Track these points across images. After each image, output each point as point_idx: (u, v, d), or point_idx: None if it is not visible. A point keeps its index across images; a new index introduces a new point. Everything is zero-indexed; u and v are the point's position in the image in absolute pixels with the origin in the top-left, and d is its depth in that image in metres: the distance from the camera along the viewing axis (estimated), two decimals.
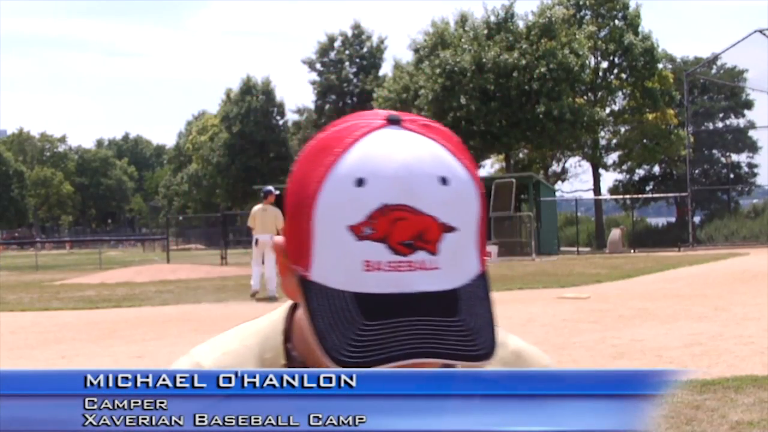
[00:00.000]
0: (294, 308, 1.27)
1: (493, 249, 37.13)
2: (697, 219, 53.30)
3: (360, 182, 1.06)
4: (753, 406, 8.51)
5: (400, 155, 1.07)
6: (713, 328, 13.80)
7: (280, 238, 1.20)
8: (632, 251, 42.99)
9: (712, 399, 8.84)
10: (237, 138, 70.25)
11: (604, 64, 54.43)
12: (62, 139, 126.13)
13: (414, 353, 1.02)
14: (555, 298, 19.19)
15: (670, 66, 56.24)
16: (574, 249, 46.37)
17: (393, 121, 1.10)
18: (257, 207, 21.36)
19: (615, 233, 46.31)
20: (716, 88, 60.82)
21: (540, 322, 14.91)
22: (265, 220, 20.70)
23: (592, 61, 52.93)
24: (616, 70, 54.66)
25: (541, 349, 1.31)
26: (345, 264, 1.05)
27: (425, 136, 1.11)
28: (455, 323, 1.04)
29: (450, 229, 1.07)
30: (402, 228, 1.05)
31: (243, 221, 51.38)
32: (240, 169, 68.80)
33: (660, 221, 58.92)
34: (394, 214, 1.05)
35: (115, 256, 59.77)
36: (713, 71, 60.58)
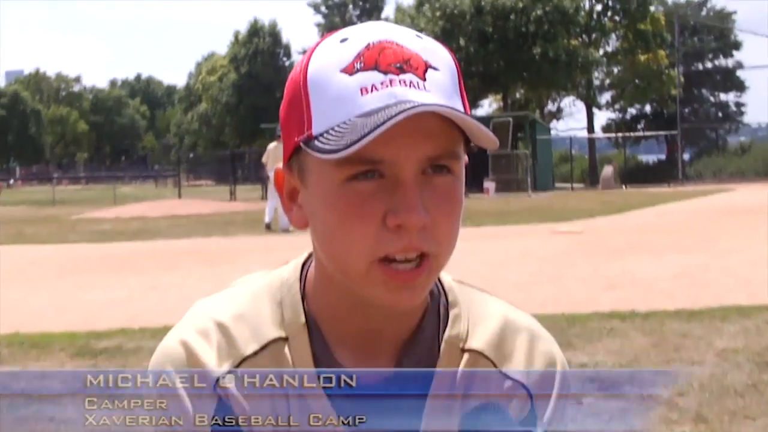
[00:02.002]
0: (304, 265, 1.24)
1: (490, 185, 37.17)
2: (686, 156, 53.35)
3: (343, 40, 1.08)
4: (738, 334, 8.55)
5: (375, 23, 1.12)
6: (701, 261, 13.83)
7: (278, 168, 1.18)
8: (624, 187, 43.05)
9: (699, 327, 8.87)
10: (245, 78, 70.07)
11: (599, 7, 54.20)
12: (77, 80, 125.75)
13: (406, 109, 1.00)
14: (550, 233, 19.21)
15: (661, 8, 55.86)
16: (569, 185, 46.40)
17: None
18: (272, 144, 21.52)
19: (607, 170, 46.34)
20: (706, 29, 60.50)
21: (535, 256, 14.93)
22: (277, 157, 20.79)
23: (587, 4, 52.69)
24: (609, 13, 54.44)
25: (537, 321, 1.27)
26: (343, 103, 1.05)
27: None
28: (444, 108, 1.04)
29: (433, 66, 1.07)
30: (389, 54, 1.05)
31: (251, 159, 51.44)
32: (248, 109, 68.66)
33: (651, 158, 58.88)
34: (379, 46, 1.06)
35: (128, 191, 59.71)
36: (703, 13, 60.33)
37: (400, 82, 1.04)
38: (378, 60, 1.05)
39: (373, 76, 1.04)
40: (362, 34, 1.08)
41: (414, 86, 1.04)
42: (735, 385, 6.89)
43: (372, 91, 1.04)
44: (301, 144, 1.08)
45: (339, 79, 1.05)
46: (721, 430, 5.91)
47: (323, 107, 1.06)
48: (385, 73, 1.04)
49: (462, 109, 1.07)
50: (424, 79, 1.05)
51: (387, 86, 1.04)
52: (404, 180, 1.05)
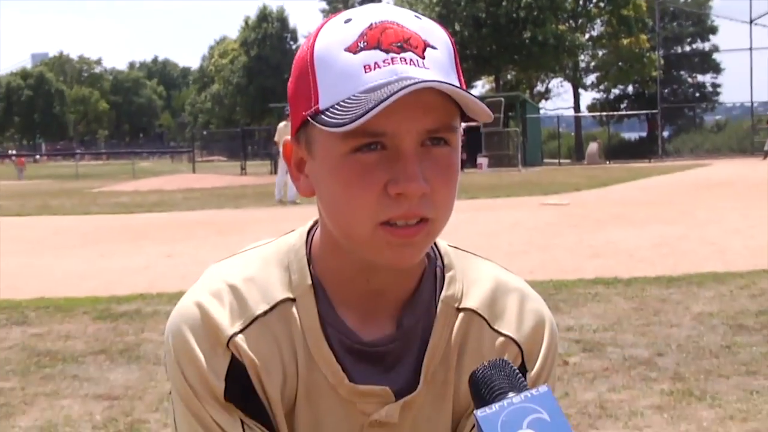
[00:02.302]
0: (309, 232, 1.25)
1: (483, 161, 37.14)
2: (666, 133, 53.25)
3: (347, 21, 1.09)
4: (713, 299, 8.57)
5: (378, 5, 1.11)
6: (679, 231, 13.83)
7: (286, 140, 1.18)
8: (608, 162, 43.00)
9: (677, 293, 8.89)
10: (255, 61, 69.86)
11: None
12: (98, 62, 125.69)
13: (407, 86, 1.01)
14: (538, 205, 19.21)
15: None
16: (556, 161, 46.38)
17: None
18: (282, 123, 21.52)
19: (592, 146, 46.28)
20: (684, 15, 60.28)
21: (525, 226, 14.93)
22: (286, 134, 20.87)
23: None
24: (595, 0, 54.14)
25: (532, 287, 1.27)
26: (348, 79, 1.05)
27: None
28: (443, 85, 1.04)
29: (432, 46, 1.07)
30: (390, 34, 1.06)
31: (260, 136, 51.39)
32: (257, 90, 68.49)
33: (633, 135, 58.75)
34: (381, 25, 1.06)
35: (146, 166, 59.73)
36: (682, 0, 59.97)
37: (401, 60, 1.04)
38: (380, 39, 1.05)
39: (376, 55, 1.04)
40: (365, 15, 1.08)
41: (414, 64, 1.04)
42: (710, 346, 6.91)
43: (375, 68, 1.04)
44: (309, 117, 1.08)
45: (344, 57, 1.05)
46: (697, 388, 5.92)
47: (329, 83, 1.06)
48: (387, 51, 1.04)
49: (459, 85, 1.07)
50: (423, 57, 1.05)
51: (389, 64, 1.04)
52: (405, 151, 1.05)
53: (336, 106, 1.04)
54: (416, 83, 1.00)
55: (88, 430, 5.55)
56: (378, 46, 1.05)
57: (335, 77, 1.06)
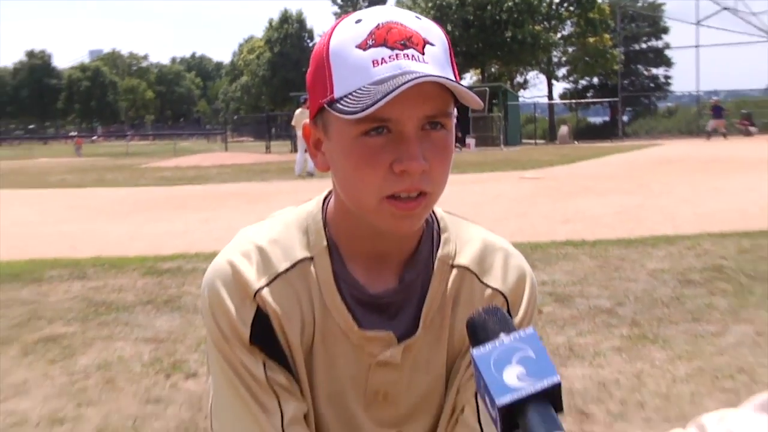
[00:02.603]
0: (325, 200, 1.24)
1: (471, 141, 37.07)
2: (625, 118, 53.17)
3: (358, 21, 1.08)
4: (665, 258, 8.57)
5: (385, 7, 1.11)
6: (636, 200, 13.82)
7: (305, 123, 1.17)
8: (576, 143, 42.87)
9: (634, 252, 8.89)
10: (277, 56, 69.54)
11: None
12: (145, 57, 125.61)
13: (411, 79, 1.01)
14: (518, 178, 19.20)
15: (607, 0, 55.18)
16: (533, 141, 46.24)
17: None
18: (298, 110, 21.57)
19: (563, 129, 46.21)
20: (641, 17, 59.88)
21: (507, 197, 14.93)
22: (302, 118, 20.97)
23: None
24: (565, 4, 53.84)
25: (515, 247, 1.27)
26: (358, 71, 1.04)
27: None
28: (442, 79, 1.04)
29: (430, 43, 1.06)
30: (395, 34, 1.05)
31: (282, 120, 51.22)
32: (279, 81, 68.15)
33: (597, 120, 58.64)
34: (387, 26, 1.05)
35: (185, 146, 59.64)
36: (639, 4, 59.70)
37: (404, 56, 1.04)
38: (386, 38, 1.04)
39: (383, 51, 1.04)
40: (373, 16, 1.07)
41: (415, 59, 1.04)
42: (661, 297, 6.92)
43: (382, 63, 1.03)
44: (325, 105, 1.07)
45: (355, 53, 1.05)
46: (651, 332, 5.94)
47: (343, 76, 1.05)
48: (392, 48, 1.04)
49: (453, 77, 1.07)
50: (423, 53, 1.05)
51: (394, 59, 1.03)
52: (407, 134, 1.05)
53: (349, 96, 1.04)
54: (417, 77, 1.00)
55: (137, 368, 5.57)
56: (384, 44, 1.04)
57: (348, 70, 1.05)
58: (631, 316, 6.36)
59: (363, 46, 1.04)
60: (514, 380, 0.91)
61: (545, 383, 0.90)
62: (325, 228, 1.20)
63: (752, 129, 41.16)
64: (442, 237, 1.21)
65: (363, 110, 1.00)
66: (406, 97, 1.00)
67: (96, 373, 5.51)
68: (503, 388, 0.90)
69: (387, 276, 1.18)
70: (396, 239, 1.17)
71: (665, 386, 4.88)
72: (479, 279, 1.21)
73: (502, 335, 0.95)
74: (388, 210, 1.08)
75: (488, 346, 0.94)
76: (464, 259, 1.21)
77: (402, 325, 1.17)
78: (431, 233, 1.21)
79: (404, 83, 0.99)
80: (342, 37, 1.07)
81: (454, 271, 1.20)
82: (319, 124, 1.12)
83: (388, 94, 0.99)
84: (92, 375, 5.47)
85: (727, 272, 7.77)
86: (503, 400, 0.89)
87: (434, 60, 1.05)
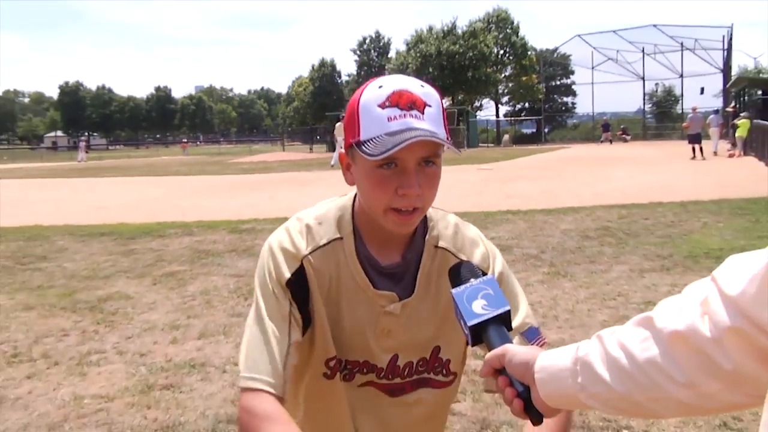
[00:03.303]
0: (355, 197, 1.19)
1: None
2: (546, 130, 52.75)
3: (380, 87, 1.03)
4: (572, 221, 8.52)
5: (398, 76, 1.06)
6: (554, 184, 13.74)
7: (341, 152, 1.12)
8: (514, 146, 42.53)
9: (551, 218, 8.85)
10: (317, 89, 68.90)
11: (501, 51, 52.95)
12: (230, 90, 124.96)
13: (416, 135, 0.98)
14: (476, 169, 19.10)
15: (534, 52, 54.51)
16: (486, 145, 45.86)
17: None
18: (338, 123, 21.69)
19: (506, 137, 45.92)
20: (556, 63, 59.19)
21: (468, 182, 14.85)
22: (339, 130, 21.53)
23: (495, 50, 51.36)
24: (507, 55, 53.31)
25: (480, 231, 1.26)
26: (378, 122, 1.01)
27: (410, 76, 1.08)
28: (437, 137, 1.01)
29: (428, 105, 1.02)
30: (404, 99, 1.01)
31: (320, 131, 50.96)
32: (318, 105, 67.35)
33: (528, 131, 58.01)
34: (399, 92, 1.01)
35: (257, 148, 59.35)
36: (555, 55, 59.08)
37: (409, 115, 1.01)
38: (399, 101, 1.01)
39: (395, 111, 1.00)
40: (391, 84, 1.04)
41: (417, 117, 1.01)
42: (570, 247, 6.89)
43: (394, 119, 1.00)
44: (354, 144, 1.05)
45: (377, 110, 1.01)
46: (563, 270, 5.91)
47: (367, 125, 1.02)
48: (402, 109, 1.01)
49: (443, 129, 1.04)
50: (423, 113, 1.02)
51: (403, 117, 1.00)
52: (408, 169, 1.03)
53: (370, 141, 1.01)
54: (417, 136, 0.98)
55: (225, 293, 5.58)
56: (397, 105, 1.01)
57: (371, 122, 1.01)
58: (549, 260, 6.35)
59: (382, 106, 1.01)
60: (480, 309, 0.92)
61: (500, 311, 0.92)
62: (352, 218, 1.16)
63: (627, 137, 40.93)
64: (429, 226, 1.17)
65: (381, 154, 0.98)
66: (409, 146, 0.99)
67: (199, 296, 5.53)
68: (472, 314, 0.91)
69: (393, 254, 1.14)
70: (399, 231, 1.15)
71: (571, 305, 4.88)
72: (454, 255, 1.17)
73: (472, 280, 0.96)
74: (392, 218, 1.06)
75: (462, 287, 0.94)
76: (444, 242, 1.17)
77: (403, 288, 1.14)
78: (423, 223, 1.18)
79: (409, 138, 0.98)
80: (368, 97, 1.03)
81: (438, 251, 1.16)
82: (350, 155, 1.08)
83: (398, 145, 0.97)
84: (197, 298, 5.49)
85: (612, 231, 7.75)
86: (472, 322, 0.91)
87: (430, 118, 1.02)
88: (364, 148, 1.01)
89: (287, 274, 1.10)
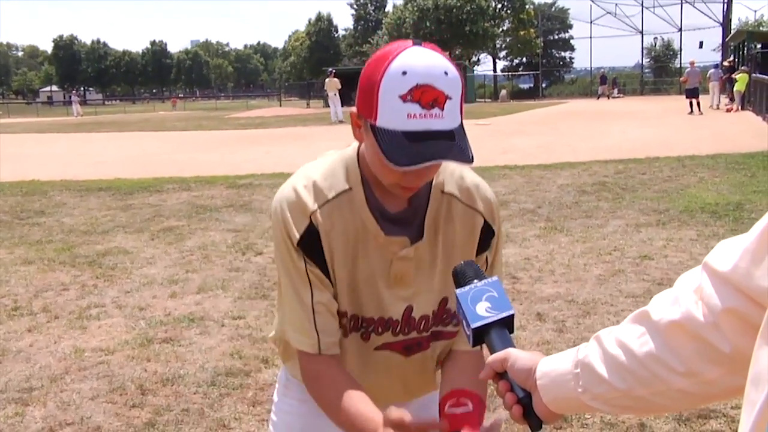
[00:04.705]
0: (359, 147, 1.15)
1: None
2: (543, 85, 52.21)
3: (404, 73, 0.96)
4: (568, 176, 8.48)
5: (423, 60, 0.97)
6: (551, 138, 13.65)
7: (352, 111, 1.07)
8: (512, 101, 42.10)
9: (549, 173, 8.80)
10: (313, 44, 67.76)
11: (499, 5, 51.94)
12: (227, 44, 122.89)
13: (436, 157, 0.95)
14: (473, 125, 18.90)
15: (532, 6, 53.52)
16: (483, 100, 45.39)
17: (417, 44, 1.00)
18: (327, 79, 21.65)
19: (503, 92, 45.43)
20: (554, 17, 58.12)
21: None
22: (329, 85, 21.05)
23: (493, 4, 50.39)
24: (505, 9, 52.31)
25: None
26: (397, 116, 0.96)
27: (434, 51, 1.00)
28: (454, 145, 0.97)
29: (450, 98, 0.97)
30: (427, 95, 0.95)
31: (318, 86, 50.33)
32: (315, 60, 66.33)
33: (525, 86, 57.39)
34: (422, 88, 0.95)
35: (254, 103, 58.67)
36: (552, 9, 57.95)
37: (429, 115, 0.95)
38: (421, 98, 0.95)
39: (417, 109, 0.95)
40: (415, 73, 0.96)
41: (437, 117, 0.95)
42: (566, 202, 6.87)
43: (414, 117, 0.95)
44: (368, 122, 1.00)
45: (397, 102, 0.95)
46: (560, 224, 5.90)
47: (385, 113, 0.97)
48: (423, 107, 0.95)
49: (459, 121, 1.00)
50: (443, 108, 0.96)
51: (423, 118, 0.95)
52: (415, 173, 1.02)
53: (386, 132, 0.97)
54: (432, 160, 0.95)
55: (224, 248, 5.56)
56: (419, 102, 0.95)
57: (390, 111, 0.96)
58: (546, 215, 6.33)
59: (404, 99, 0.95)
60: (484, 311, 0.92)
61: (503, 314, 0.92)
62: (359, 167, 1.13)
63: (619, 96, 39.75)
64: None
65: (394, 163, 0.95)
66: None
67: (197, 251, 5.51)
68: (476, 316, 0.91)
69: (401, 201, 1.13)
70: None
71: (568, 259, 4.88)
72: (461, 201, 1.16)
73: (476, 281, 0.95)
74: (397, 190, 1.06)
75: (467, 288, 0.94)
76: (449, 187, 1.16)
77: (412, 233, 1.13)
78: None
79: (422, 161, 0.95)
80: (390, 83, 0.96)
81: (444, 197, 1.15)
82: (362, 122, 1.04)
83: (411, 164, 0.95)
84: (195, 252, 5.47)
85: (608, 186, 7.72)
86: (475, 324, 0.91)
87: (450, 114, 0.97)
88: (378, 137, 0.98)
89: (297, 234, 1.09)
